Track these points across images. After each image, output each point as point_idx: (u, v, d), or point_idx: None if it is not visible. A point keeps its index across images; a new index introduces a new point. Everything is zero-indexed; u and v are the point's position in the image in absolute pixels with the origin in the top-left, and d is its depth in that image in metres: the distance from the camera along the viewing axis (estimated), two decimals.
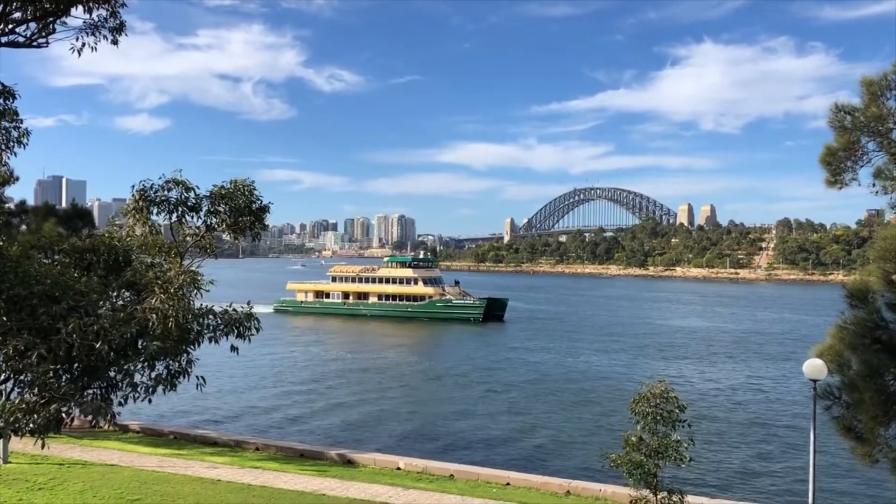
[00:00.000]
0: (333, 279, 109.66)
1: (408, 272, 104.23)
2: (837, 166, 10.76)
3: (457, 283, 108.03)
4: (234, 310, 10.87)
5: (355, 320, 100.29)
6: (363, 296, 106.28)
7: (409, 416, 40.50)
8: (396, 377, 54.73)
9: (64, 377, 8.76)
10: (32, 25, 10.11)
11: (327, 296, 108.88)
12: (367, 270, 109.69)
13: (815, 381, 13.19)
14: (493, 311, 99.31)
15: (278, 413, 41.30)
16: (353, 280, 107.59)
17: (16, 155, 10.84)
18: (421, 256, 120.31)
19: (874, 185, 10.55)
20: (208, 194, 13.39)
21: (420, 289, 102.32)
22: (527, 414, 41.66)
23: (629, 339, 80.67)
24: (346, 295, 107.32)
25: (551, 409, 43.17)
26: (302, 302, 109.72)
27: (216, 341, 10.60)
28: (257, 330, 10.94)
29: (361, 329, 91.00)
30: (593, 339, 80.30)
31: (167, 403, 38.65)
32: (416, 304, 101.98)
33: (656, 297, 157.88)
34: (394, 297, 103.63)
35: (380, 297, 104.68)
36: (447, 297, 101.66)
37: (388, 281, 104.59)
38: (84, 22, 10.08)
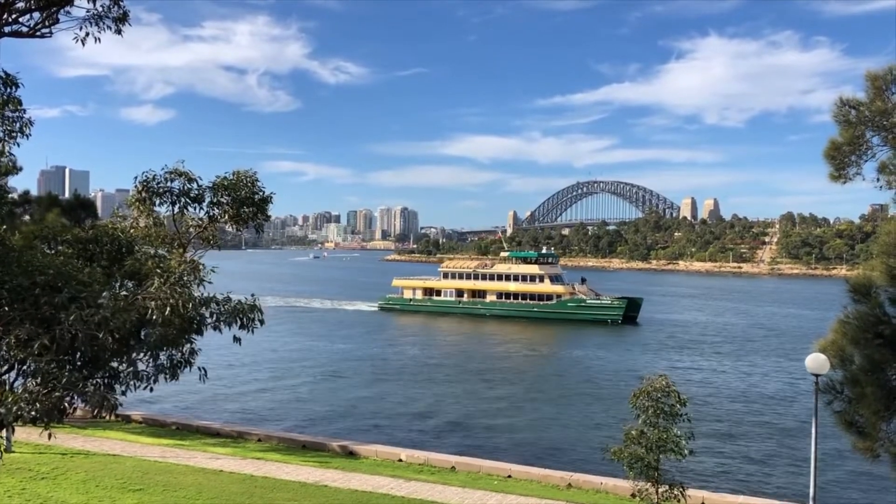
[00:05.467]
0: (445, 275, 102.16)
1: (533, 269, 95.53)
2: (842, 161, 10.71)
3: (583, 280, 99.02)
4: (238, 301, 10.88)
5: (471, 320, 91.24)
6: (479, 294, 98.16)
7: (426, 410, 40.57)
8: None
9: (66, 367, 8.78)
10: (36, 15, 10.07)
11: (438, 293, 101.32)
12: (482, 266, 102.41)
13: (817, 375, 13.17)
14: (629, 311, 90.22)
15: (315, 406, 41.14)
16: (468, 277, 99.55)
17: (19, 145, 10.80)
18: (544, 251, 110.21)
19: (878, 179, 10.51)
20: (211, 185, 13.43)
21: (548, 287, 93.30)
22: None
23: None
24: (459, 293, 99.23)
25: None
26: (410, 300, 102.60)
27: (220, 331, 10.64)
28: (261, 322, 10.90)
29: (481, 330, 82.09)
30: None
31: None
32: (543, 303, 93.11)
33: (673, 292, 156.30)
34: (516, 295, 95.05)
35: (499, 295, 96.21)
36: (579, 296, 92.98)
37: (508, 278, 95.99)
38: (87, 11, 10.05)
